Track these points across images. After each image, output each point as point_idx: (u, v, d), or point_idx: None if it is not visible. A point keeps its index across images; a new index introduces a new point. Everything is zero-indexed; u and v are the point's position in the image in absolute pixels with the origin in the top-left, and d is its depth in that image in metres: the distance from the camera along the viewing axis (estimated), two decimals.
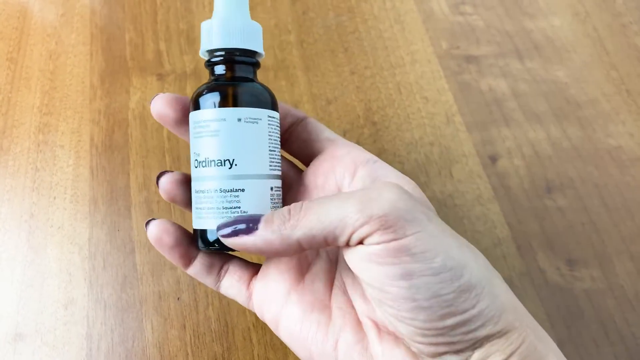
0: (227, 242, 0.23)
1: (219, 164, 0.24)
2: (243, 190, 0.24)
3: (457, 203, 0.36)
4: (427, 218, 0.21)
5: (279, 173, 0.26)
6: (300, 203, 0.23)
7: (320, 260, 0.26)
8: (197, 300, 0.33)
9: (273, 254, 0.23)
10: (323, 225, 0.21)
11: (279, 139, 0.26)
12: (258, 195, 0.24)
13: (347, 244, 0.21)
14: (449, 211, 0.36)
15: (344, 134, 0.39)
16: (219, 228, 0.23)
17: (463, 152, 0.38)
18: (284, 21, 0.44)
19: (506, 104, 0.40)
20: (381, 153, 0.38)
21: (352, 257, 0.22)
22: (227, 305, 0.33)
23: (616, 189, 0.37)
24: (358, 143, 0.39)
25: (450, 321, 0.20)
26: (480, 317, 0.20)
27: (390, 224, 0.20)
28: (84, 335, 0.32)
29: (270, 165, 0.25)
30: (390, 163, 0.38)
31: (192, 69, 0.42)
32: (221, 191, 0.24)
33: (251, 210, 0.24)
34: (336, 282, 0.25)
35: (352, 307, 0.24)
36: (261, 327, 0.32)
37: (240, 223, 0.23)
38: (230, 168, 0.24)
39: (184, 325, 0.32)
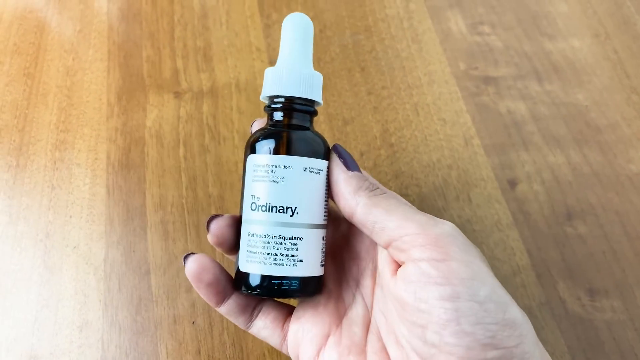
0: (335, 155, 0.25)
1: (281, 211, 0.24)
2: (301, 239, 0.24)
3: (476, 228, 0.36)
4: (479, 255, 0.22)
5: (327, 223, 0.26)
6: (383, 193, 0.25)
7: (356, 305, 0.26)
8: (212, 324, 0.32)
9: (334, 195, 0.25)
10: (383, 216, 0.23)
11: (328, 189, 0.27)
12: (313, 245, 0.25)
13: (388, 244, 0.23)
14: (467, 236, 0.35)
15: (361, 156, 0.39)
16: (337, 147, 0.26)
17: (481, 176, 0.38)
18: None
19: (525, 127, 0.40)
20: (398, 175, 0.38)
21: (399, 281, 0.22)
22: (242, 330, 0.32)
23: (638, 216, 0.36)
24: (375, 165, 0.38)
25: (491, 354, 0.20)
26: (522, 358, 0.20)
27: (443, 245, 0.21)
28: (98, 359, 0.31)
29: (324, 216, 0.26)
30: (408, 186, 0.37)
31: (209, 87, 0.41)
32: (280, 238, 0.24)
33: (306, 259, 0.24)
34: (371, 328, 0.25)
35: (387, 353, 0.24)
36: (277, 354, 0.32)
37: (351, 160, 0.25)
38: (291, 216, 0.24)
39: (199, 350, 0.32)
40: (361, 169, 0.26)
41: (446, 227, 0.22)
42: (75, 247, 0.35)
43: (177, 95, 0.41)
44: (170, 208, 0.36)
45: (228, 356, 0.32)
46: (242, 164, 0.38)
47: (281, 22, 0.45)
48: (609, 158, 0.38)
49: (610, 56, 0.43)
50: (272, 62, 0.43)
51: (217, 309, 0.27)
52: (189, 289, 0.33)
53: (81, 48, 0.44)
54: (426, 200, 0.37)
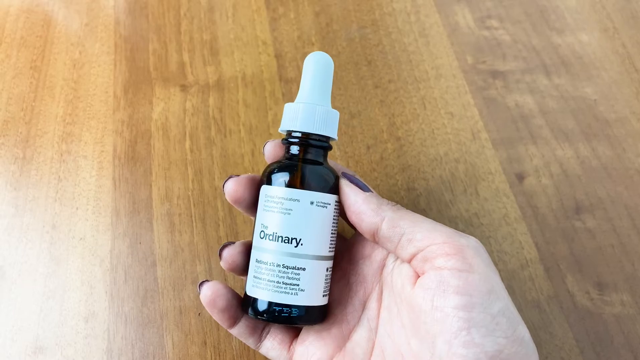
0: (346, 181, 0.26)
1: (286, 241, 0.25)
2: (304, 269, 0.25)
3: (483, 222, 0.35)
4: (498, 274, 0.23)
5: (333, 254, 0.27)
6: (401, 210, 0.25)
7: (361, 328, 0.26)
8: None
9: (355, 214, 0.25)
10: (411, 228, 0.23)
11: (338, 222, 0.27)
12: (316, 275, 0.25)
13: (413, 256, 0.23)
14: (475, 230, 0.35)
15: (368, 149, 0.38)
16: (346, 174, 0.27)
17: (489, 170, 0.37)
18: (307, 33, 0.44)
19: (533, 120, 0.39)
20: (405, 169, 0.38)
21: (418, 289, 0.22)
22: None
23: None
24: (381, 158, 0.38)
25: None
26: None
27: (468, 256, 0.21)
28: (104, 350, 0.31)
29: (330, 248, 0.26)
30: (415, 179, 0.37)
31: (215, 80, 0.41)
32: (284, 267, 0.25)
33: (307, 289, 0.25)
34: (375, 351, 0.25)
35: None
36: None
37: (362, 183, 0.26)
38: (296, 247, 0.25)
39: (205, 342, 0.32)
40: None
41: (472, 240, 0.23)
42: (81, 238, 0.35)
43: (184, 88, 0.41)
44: (176, 200, 0.36)
45: (234, 347, 0.31)
46: (248, 157, 0.38)
47: (287, 16, 0.45)
48: (617, 152, 0.38)
49: (619, 50, 0.43)
50: (278, 56, 0.43)
51: (229, 330, 0.28)
52: (195, 280, 0.33)
53: (88, 41, 0.44)
54: (433, 194, 0.37)
